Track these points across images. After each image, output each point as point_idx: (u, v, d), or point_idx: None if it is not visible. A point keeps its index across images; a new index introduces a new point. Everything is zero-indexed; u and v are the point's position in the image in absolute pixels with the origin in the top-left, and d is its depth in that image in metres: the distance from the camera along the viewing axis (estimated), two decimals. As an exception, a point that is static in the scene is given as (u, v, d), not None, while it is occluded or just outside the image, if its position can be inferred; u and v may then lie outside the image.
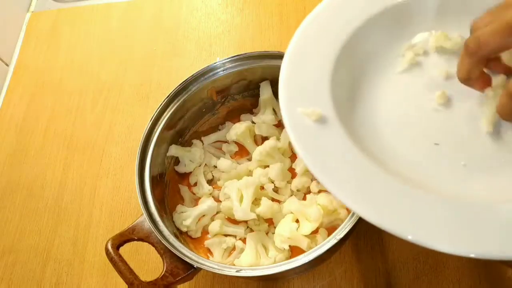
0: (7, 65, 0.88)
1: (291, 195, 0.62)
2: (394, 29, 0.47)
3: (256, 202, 0.60)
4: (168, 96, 0.61)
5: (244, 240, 0.61)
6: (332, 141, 0.40)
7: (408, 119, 0.43)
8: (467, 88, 0.41)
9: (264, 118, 0.66)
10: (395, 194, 0.37)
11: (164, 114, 0.62)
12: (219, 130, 0.70)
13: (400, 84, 0.46)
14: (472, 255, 0.33)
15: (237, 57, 0.63)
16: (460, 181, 0.39)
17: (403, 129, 0.43)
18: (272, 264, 0.52)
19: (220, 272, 0.50)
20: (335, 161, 0.39)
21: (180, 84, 0.62)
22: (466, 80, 0.39)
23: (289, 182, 0.63)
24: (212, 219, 0.63)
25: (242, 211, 0.58)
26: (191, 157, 0.66)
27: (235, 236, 0.61)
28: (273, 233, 0.59)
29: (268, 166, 0.63)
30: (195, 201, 0.65)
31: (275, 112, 0.67)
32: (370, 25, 0.46)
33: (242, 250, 0.59)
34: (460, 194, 0.38)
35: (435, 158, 0.41)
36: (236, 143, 0.68)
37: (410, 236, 0.35)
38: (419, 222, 0.36)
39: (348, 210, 0.58)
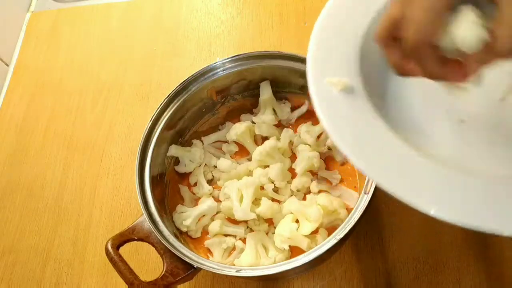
0: (7, 65, 0.88)
1: (291, 195, 0.62)
2: None
3: (256, 202, 0.60)
4: (168, 96, 0.62)
5: (244, 240, 0.61)
6: (356, 111, 0.40)
7: (436, 94, 0.42)
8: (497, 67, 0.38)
9: (264, 118, 0.66)
10: (415, 166, 0.37)
11: (164, 114, 0.62)
12: (219, 130, 0.70)
13: None
14: (505, 233, 0.33)
15: (237, 57, 0.63)
16: (485, 158, 0.39)
17: (429, 103, 0.43)
18: (272, 264, 0.53)
19: (220, 272, 0.50)
20: (358, 131, 0.39)
21: (180, 84, 0.62)
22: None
23: (289, 182, 0.63)
24: (212, 219, 0.63)
25: (242, 211, 0.58)
26: (191, 157, 0.66)
27: (235, 236, 0.61)
28: (273, 233, 0.59)
29: (268, 166, 0.63)
30: (195, 201, 0.65)
31: (275, 112, 0.67)
32: None
33: (242, 250, 0.59)
34: (485, 171, 0.37)
35: (460, 134, 0.41)
36: (236, 143, 0.68)
37: (432, 210, 0.34)
38: (439, 196, 0.35)
39: (348, 210, 0.58)
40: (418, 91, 0.44)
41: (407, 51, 0.34)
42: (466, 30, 0.31)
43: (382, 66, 0.44)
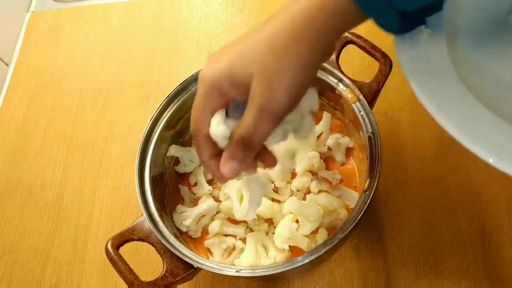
0: (7, 65, 0.88)
1: (291, 195, 0.62)
2: None
3: (256, 202, 0.60)
4: (168, 96, 0.61)
5: (244, 240, 0.61)
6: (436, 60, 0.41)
7: None
8: None
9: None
10: (489, 122, 0.37)
11: (164, 114, 0.62)
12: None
13: None
14: None
15: (237, 57, 0.62)
16: None
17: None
18: (272, 264, 0.52)
19: (220, 272, 0.50)
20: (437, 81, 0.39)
21: (180, 84, 0.62)
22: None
23: (289, 182, 0.63)
24: (212, 219, 0.63)
25: (242, 211, 0.58)
26: (191, 157, 0.66)
27: (235, 236, 0.61)
28: (273, 233, 0.59)
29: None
30: (195, 201, 0.65)
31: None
32: None
33: (242, 250, 0.59)
34: None
35: None
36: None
37: (491, 159, 0.35)
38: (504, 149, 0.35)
39: (348, 210, 0.58)
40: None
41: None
42: (213, 128, 0.39)
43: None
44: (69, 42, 0.89)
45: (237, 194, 0.59)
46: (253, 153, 0.40)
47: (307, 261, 0.48)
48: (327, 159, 0.65)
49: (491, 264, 0.58)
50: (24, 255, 0.69)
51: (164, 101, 0.61)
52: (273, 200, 0.62)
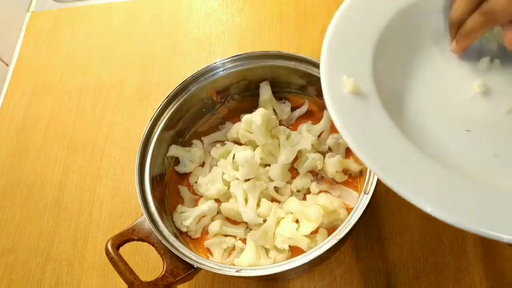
0: (7, 65, 0.88)
1: (291, 195, 0.62)
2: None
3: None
4: (168, 96, 0.62)
5: (244, 240, 0.61)
6: (369, 113, 0.41)
7: (445, 102, 0.45)
8: (507, 81, 0.44)
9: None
10: (420, 167, 0.38)
11: (164, 114, 0.62)
12: (219, 130, 0.70)
13: (442, 68, 0.47)
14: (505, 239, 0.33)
15: (237, 57, 0.63)
16: (491, 170, 0.40)
17: (438, 111, 0.44)
18: (272, 264, 0.52)
19: (220, 272, 0.50)
20: (369, 131, 0.40)
21: (180, 84, 0.62)
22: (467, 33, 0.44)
23: (289, 182, 0.63)
24: (212, 219, 0.63)
25: (251, 214, 0.58)
26: (191, 157, 0.66)
27: (235, 237, 0.61)
28: (273, 233, 0.59)
29: (269, 165, 0.63)
30: (195, 201, 0.65)
31: (275, 112, 0.67)
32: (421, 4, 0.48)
33: (242, 250, 0.59)
34: (490, 181, 0.38)
35: (467, 144, 0.42)
36: (236, 142, 0.68)
37: (429, 208, 0.35)
38: (443, 198, 0.36)
39: (348, 210, 0.58)
40: (429, 97, 0.45)
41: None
42: None
43: (395, 70, 0.45)
44: (69, 42, 0.89)
45: (242, 196, 0.59)
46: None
47: (307, 261, 0.48)
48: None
49: (491, 264, 0.58)
50: (24, 255, 0.69)
51: (164, 101, 0.61)
52: (273, 200, 0.62)
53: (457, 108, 0.45)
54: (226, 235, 0.62)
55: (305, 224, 0.57)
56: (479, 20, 0.42)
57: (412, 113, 0.44)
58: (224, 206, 0.61)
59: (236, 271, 0.50)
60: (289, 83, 0.66)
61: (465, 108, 0.44)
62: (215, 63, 0.63)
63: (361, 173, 0.62)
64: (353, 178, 0.63)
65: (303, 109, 0.68)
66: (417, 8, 0.48)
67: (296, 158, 0.63)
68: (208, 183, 0.63)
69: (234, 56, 0.63)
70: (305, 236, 0.56)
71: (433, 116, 0.44)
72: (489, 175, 0.39)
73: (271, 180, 0.62)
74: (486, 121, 0.44)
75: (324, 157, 0.63)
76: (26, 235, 0.70)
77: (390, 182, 0.37)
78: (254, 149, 0.63)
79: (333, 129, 0.66)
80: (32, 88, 0.85)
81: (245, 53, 0.63)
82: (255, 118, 0.60)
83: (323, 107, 0.66)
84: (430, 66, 0.47)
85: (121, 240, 0.54)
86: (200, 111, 0.67)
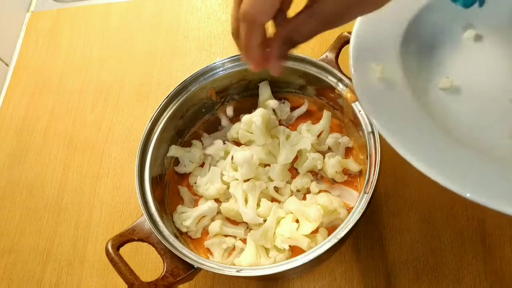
0: (7, 65, 0.88)
1: (291, 195, 0.62)
2: None
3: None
4: (168, 96, 0.62)
5: (244, 240, 0.61)
6: (397, 98, 0.42)
7: (479, 90, 0.45)
8: None
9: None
10: (444, 147, 0.39)
11: (164, 114, 0.62)
12: (219, 130, 0.70)
13: (472, 53, 0.47)
14: None
15: (237, 57, 0.63)
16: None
17: (470, 99, 0.45)
18: (272, 264, 0.52)
19: (220, 272, 0.50)
20: (397, 113, 0.41)
21: (180, 84, 0.62)
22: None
23: (289, 182, 0.63)
24: (213, 220, 0.63)
25: (251, 214, 0.58)
26: (191, 157, 0.66)
27: (235, 237, 0.61)
28: (273, 233, 0.59)
29: (268, 165, 0.63)
30: (195, 201, 0.65)
31: (275, 112, 0.67)
32: None
33: (242, 250, 0.59)
34: None
35: (498, 131, 0.42)
36: (235, 142, 0.68)
37: (468, 193, 0.36)
38: (472, 179, 0.37)
39: (348, 210, 0.58)
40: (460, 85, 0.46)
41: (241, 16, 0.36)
42: None
43: (422, 57, 0.46)
44: (69, 42, 0.89)
45: (242, 196, 0.59)
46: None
47: (307, 260, 0.48)
48: (327, 158, 0.65)
49: (491, 264, 0.58)
50: (24, 255, 0.69)
51: (164, 101, 0.61)
52: (273, 200, 0.62)
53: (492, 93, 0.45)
54: (226, 235, 0.62)
55: (305, 223, 0.57)
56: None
57: (443, 99, 0.45)
58: (224, 206, 0.61)
59: (236, 271, 0.50)
60: (289, 83, 0.66)
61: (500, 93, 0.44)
62: (215, 63, 0.63)
63: (361, 172, 0.62)
64: (353, 177, 0.63)
65: (303, 109, 0.68)
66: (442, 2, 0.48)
67: (296, 158, 0.63)
68: (207, 183, 0.63)
69: (234, 56, 0.63)
70: (305, 235, 0.56)
71: (465, 102, 0.44)
72: None
73: (271, 180, 0.62)
74: None
75: (324, 157, 0.63)
76: (26, 235, 0.70)
77: (425, 169, 0.37)
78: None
79: (332, 129, 0.66)
80: (32, 88, 0.85)
81: (245, 53, 0.62)
82: (255, 118, 0.60)
83: (322, 107, 0.66)
84: (460, 51, 0.48)
85: (121, 240, 0.54)
86: (199, 111, 0.67)
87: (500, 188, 0.36)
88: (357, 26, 0.47)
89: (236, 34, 0.40)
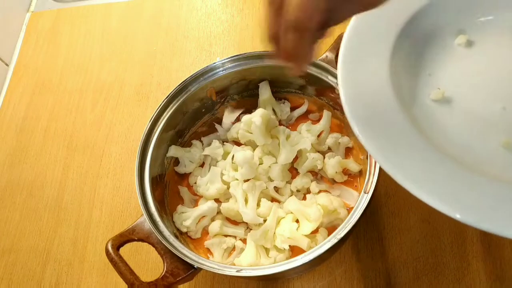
0: (7, 65, 0.88)
1: (291, 195, 0.62)
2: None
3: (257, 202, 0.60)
4: (168, 96, 0.61)
5: (244, 241, 0.61)
6: (384, 110, 0.42)
7: (468, 102, 0.45)
8: None
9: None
10: (434, 165, 0.38)
11: (164, 115, 0.62)
12: (218, 131, 0.70)
13: (464, 61, 0.47)
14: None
15: (237, 57, 0.63)
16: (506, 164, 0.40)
17: (459, 111, 0.44)
18: (272, 264, 0.52)
19: (220, 272, 0.50)
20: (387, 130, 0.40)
21: (179, 84, 0.62)
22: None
23: (289, 182, 0.63)
24: (213, 220, 0.63)
25: (251, 215, 0.58)
26: (191, 157, 0.66)
27: (235, 237, 0.61)
28: (273, 233, 0.59)
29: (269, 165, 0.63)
30: (195, 202, 0.65)
31: (275, 112, 0.67)
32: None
33: (242, 250, 0.59)
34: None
35: (491, 141, 0.42)
36: (235, 142, 0.68)
37: (458, 215, 0.36)
38: (461, 199, 0.36)
39: (348, 210, 0.58)
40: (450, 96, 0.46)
41: (289, 22, 0.33)
42: None
43: (412, 67, 0.46)
44: (69, 42, 0.89)
45: (242, 196, 0.59)
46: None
47: (307, 260, 0.48)
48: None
49: (491, 264, 0.58)
50: (24, 255, 0.69)
51: (164, 101, 0.61)
52: (273, 200, 0.62)
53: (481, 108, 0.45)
54: (226, 235, 0.62)
55: (305, 223, 0.57)
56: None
57: (424, 106, 0.45)
58: (224, 206, 0.61)
59: (236, 271, 0.50)
60: (289, 83, 0.66)
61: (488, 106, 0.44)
62: (214, 63, 0.63)
63: (361, 172, 0.62)
64: (353, 177, 0.63)
65: (303, 109, 0.68)
66: (436, 7, 0.48)
67: (296, 158, 0.63)
68: (208, 183, 0.63)
69: (234, 56, 0.63)
70: (305, 235, 0.56)
71: (454, 115, 0.44)
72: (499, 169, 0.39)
73: (271, 180, 0.62)
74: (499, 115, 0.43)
75: (324, 157, 0.63)
76: (26, 235, 0.70)
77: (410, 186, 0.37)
78: (254, 149, 0.63)
79: (332, 129, 0.66)
80: (32, 88, 0.85)
81: (245, 53, 0.62)
82: (255, 119, 0.60)
83: (322, 107, 0.66)
84: (450, 61, 0.48)
85: (121, 240, 0.54)
86: (199, 111, 0.67)
87: (493, 210, 0.35)
88: (346, 37, 0.46)
89: (274, 40, 0.36)
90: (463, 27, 0.49)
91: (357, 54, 0.45)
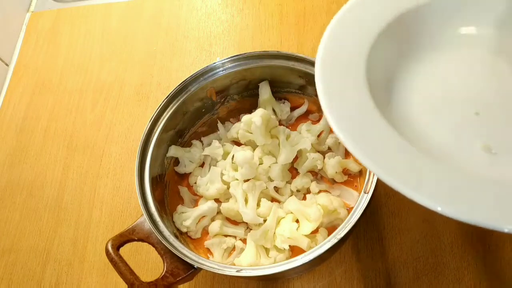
0: (7, 65, 0.88)
1: (291, 195, 0.62)
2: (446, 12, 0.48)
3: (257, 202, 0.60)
4: (168, 96, 0.61)
5: (244, 240, 0.61)
6: (361, 110, 0.42)
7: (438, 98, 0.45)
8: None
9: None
10: (412, 159, 0.38)
11: (164, 115, 0.62)
12: (219, 130, 0.70)
13: (438, 66, 0.48)
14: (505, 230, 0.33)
15: (237, 57, 0.63)
16: (485, 165, 0.41)
17: (441, 113, 0.45)
18: (272, 264, 0.52)
19: (220, 272, 0.50)
20: (364, 131, 0.40)
21: (179, 84, 0.62)
22: None
23: (289, 182, 0.63)
24: (213, 220, 0.63)
25: (251, 215, 0.58)
26: (191, 157, 0.66)
27: (235, 237, 0.61)
28: (273, 233, 0.59)
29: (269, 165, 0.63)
30: (195, 201, 0.65)
31: (275, 112, 0.67)
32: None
33: (242, 250, 0.59)
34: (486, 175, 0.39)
35: (462, 141, 0.43)
36: (235, 142, 0.68)
37: (439, 207, 0.35)
38: (438, 191, 0.36)
39: (348, 210, 0.58)
40: (426, 96, 0.46)
41: None
42: None
43: (388, 68, 0.45)
44: (69, 42, 0.89)
45: (242, 196, 0.59)
46: None
47: (307, 260, 0.48)
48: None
49: (491, 264, 0.58)
50: (24, 255, 0.69)
51: (164, 101, 0.61)
52: (273, 200, 0.62)
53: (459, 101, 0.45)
54: (226, 235, 0.62)
55: (305, 223, 0.57)
56: None
57: (402, 108, 0.45)
58: (224, 206, 0.61)
59: (236, 271, 0.50)
60: (289, 83, 0.66)
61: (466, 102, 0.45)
62: (214, 63, 0.63)
63: (361, 172, 0.62)
64: (353, 177, 0.63)
65: (303, 108, 0.68)
66: (416, 13, 0.48)
67: (296, 158, 0.63)
68: (208, 183, 0.63)
69: (234, 56, 0.63)
70: (305, 235, 0.56)
71: (424, 111, 0.45)
72: (485, 170, 0.40)
73: (271, 180, 0.62)
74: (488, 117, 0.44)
75: (324, 157, 0.63)
76: (26, 235, 0.71)
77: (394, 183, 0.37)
78: (254, 149, 0.63)
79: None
80: (32, 88, 0.85)
81: (245, 53, 0.63)
82: (255, 119, 0.60)
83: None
84: (424, 67, 0.48)
85: (121, 240, 0.54)
86: (199, 111, 0.67)
87: (474, 202, 0.36)
88: (327, 34, 0.46)
89: None
90: (441, 37, 0.49)
91: (334, 58, 0.45)
